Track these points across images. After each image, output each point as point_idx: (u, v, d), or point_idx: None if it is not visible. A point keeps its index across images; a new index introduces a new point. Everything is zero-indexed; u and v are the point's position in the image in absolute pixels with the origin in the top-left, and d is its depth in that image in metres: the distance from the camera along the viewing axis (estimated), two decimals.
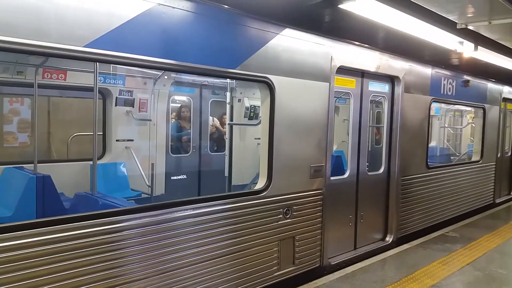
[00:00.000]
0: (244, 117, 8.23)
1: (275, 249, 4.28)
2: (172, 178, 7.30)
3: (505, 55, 7.17)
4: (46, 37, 2.66)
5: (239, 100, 8.29)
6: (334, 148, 8.41)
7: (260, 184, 4.24)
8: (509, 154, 10.12)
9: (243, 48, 3.91)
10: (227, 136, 6.33)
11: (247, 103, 8.17)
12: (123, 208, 3.38)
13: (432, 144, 12.40)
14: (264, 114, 4.32)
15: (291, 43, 4.35)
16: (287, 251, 4.41)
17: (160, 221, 3.34)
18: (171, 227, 3.41)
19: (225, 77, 4.98)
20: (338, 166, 6.31)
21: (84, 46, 2.85)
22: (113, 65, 5.65)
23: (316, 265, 4.77)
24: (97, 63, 4.29)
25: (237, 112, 8.30)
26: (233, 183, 8.08)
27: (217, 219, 3.75)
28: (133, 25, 3.10)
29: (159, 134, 6.96)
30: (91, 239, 2.91)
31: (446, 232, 6.71)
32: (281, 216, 4.33)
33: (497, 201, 9.26)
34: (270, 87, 4.15)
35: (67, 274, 2.80)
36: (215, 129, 8.44)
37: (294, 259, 4.50)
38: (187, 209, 3.52)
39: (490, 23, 5.12)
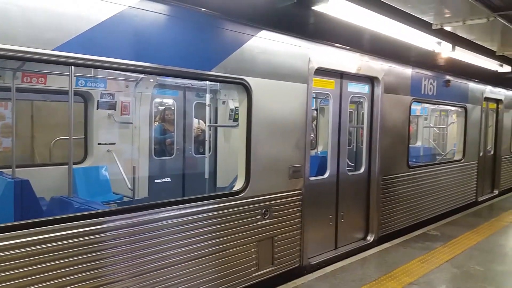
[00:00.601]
0: (229, 119, 8.25)
1: (253, 249, 4.30)
2: (156, 181, 7.28)
3: (482, 55, 7.30)
4: (13, 40, 2.66)
5: (224, 102, 8.31)
6: (320, 148, 8.47)
7: (238, 186, 4.27)
8: (492, 153, 10.27)
9: (218, 50, 3.93)
10: (207, 138, 6.32)
11: (232, 105, 8.19)
12: (100, 210, 3.39)
13: (418, 143, 12.56)
14: (241, 115, 4.35)
15: (268, 45, 4.39)
16: (266, 252, 4.44)
17: (139, 222, 3.37)
18: (149, 229, 3.43)
19: (200, 79, 4.99)
20: (323, 167, 6.35)
21: (53, 50, 2.85)
22: (94, 68, 5.64)
23: (296, 265, 4.80)
24: (72, 66, 4.28)
25: (222, 114, 8.33)
26: (218, 185, 8.11)
27: (194, 221, 3.77)
28: (104, 28, 3.11)
29: (142, 137, 6.95)
30: (71, 240, 2.95)
31: (428, 231, 6.78)
32: (259, 217, 4.36)
33: (480, 199, 9.39)
34: (247, 89, 4.18)
35: (48, 275, 2.84)
36: (200, 131, 8.44)
37: (273, 260, 4.53)
38: (162, 211, 3.53)
39: (464, 23, 5.22)
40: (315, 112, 8.66)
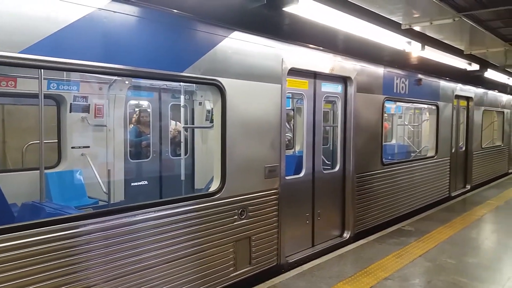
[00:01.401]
0: (206, 120, 8.23)
1: (231, 250, 4.32)
2: (132, 184, 7.20)
3: (451, 54, 7.52)
4: None
5: (200, 103, 8.29)
6: (297, 148, 8.56)
7: (214, 186, 4.28)
8: (463, 149, 10.58)
9: (191, 51, 3.94)
10: (182, 139, 6.31)
11: (208, 106, 8.18)
12: (73, 214, 3.34)
13: (393, 141, 12.83)
14: (216, 116, 4.36)
15: (241, 45, 4.41)
16: (243, 252, 4.47)
17: (114, 226, 3.34)
18: (125, 232, 3.42)
19: (173, 81, 4.98)
20: (300, 166, 6.42)
21: (19, 52, 2.80)
22: (63, 71, 5.54)
23: (273, 264, 4.84)
24: (41, 69, 4.21)
25: (198, 115, 8.30)
26: (196, 186, 8.09)
27: (171, 223, 3.77)
28: (73, 30, 3.07)
29: (117, 140, 6.86)
30: (43, 246, 2.91)
31: (402, 226, 6.94)
32: (236, 217, 4.38)
33: (453, 194, 9.66)
34: (221, 90, 4.20)
35: (20, 282, 2.80)
36: (177, 133, 8.40)
37: (251, 259, 4.55)
38: (138, 214, 3.52)
39: (431, 23, 5.38)
40: (292, 112, 8.75)
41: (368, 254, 5.55)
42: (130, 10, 3.43)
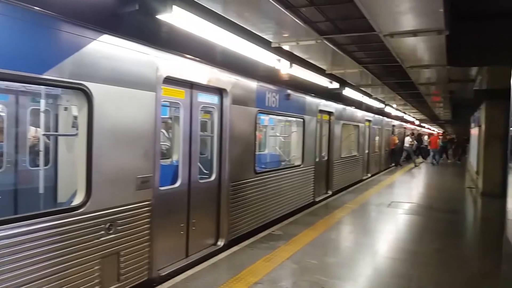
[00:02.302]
0: (73, 126, 7.54)
1: (96, 267, 4.03)
2: None
3: (315, 73, 8.33)
4: None
5: (66, 109, 7.58)
6: (175, 157, 8.40)
7: (77, 200, 3.95)
8: (325, 158, 11.73)
9: (53, 52, 3.60)
10: (42, 148, 5.69)
11: (76, 111, 7.53)
12: None
13: (266, 151, 13.54)
14: (81, 123, 4.05)
15: (112, 50, 4.19)
16: (111, 268, 4.20)
17: None
18: None
19: (31, 83, 4.47)
20: (177, 175, 6.32)
21: None
22: None
23: (144, 279, 4.66)
24: None
25: (64, 121, 7.57)
26: (59, 200, 7.33)
27: (26, 241, 3.37)
28: None
29: None
30: None
31: (273, 231, 7.35)
32: (103, 232, 4.10)
33: (317, 199, 10.62)
34: (88, 95, 3.92)
35: None
36: (37, 140, 7.52)
37: (119, 276, 4.31)
38: None
39: (298, 43, 5.89)
40: (170, 120, 8.61)
41: (240, 260, 5.73)
42: None
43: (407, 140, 23.14)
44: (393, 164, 22.87)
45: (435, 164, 23.67)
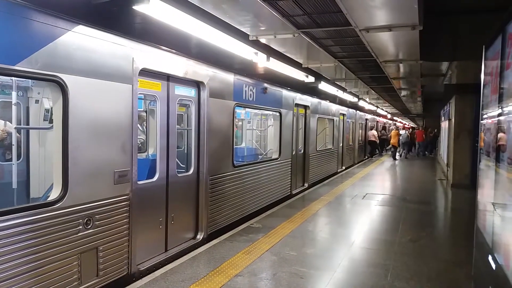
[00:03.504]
0: (45, 120, 7.33)
1: (74, 263, 3.95)
2: None
3: (292, 66, 8.37)
4: None
5: (37, 101, 7.35)
6: (151, 151, 8.30)
7: (54, 195, 3.85)
8: (302, 151, 11.85)
9: (25, 43, 3.48)
10: (14, 142, 5.51)
11: (48, 104, 7.31)
12: None
13: (242, 144, 13.55)
14: (56, 116, 3.94)
15: (87, 41, 4.08)
16: (89, 264, 4.13)
17: None
18: None
19: (2, 75, 4.30)
20: (153, 169, 6.22)
21: None
22: None
23: (124, 274, 4.61)
24: None
25: (34, 114, 7.34)
26: (32, 195, 7.12)
27: (1, 237, 3.26)
28: None
29: None
30: None
31: (251, 224, 7.39)
32: (81, 227, 4.02)
33: (294, 192, 10.73)
34: (62, 87, 3.82)
35: None
36: (6, 134, 7.25)
37: (98, 271, 4.24)
38: None
39: (275, 37, 5.90)
40: (145, 113, 8.47)
41: (220, 253, 5.74)
42: None
43: (373, 133, 24.11)
44: (367, 157, 23.90)
45: (420, 155, 26.03)
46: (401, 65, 8.58)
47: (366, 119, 24.38)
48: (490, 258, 4.07)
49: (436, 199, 11.74)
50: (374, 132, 24.43)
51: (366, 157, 24.03)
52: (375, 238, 6.94)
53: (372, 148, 24.88)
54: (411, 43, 6.44)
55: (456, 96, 12.77)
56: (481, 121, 4.83)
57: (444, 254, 6.17)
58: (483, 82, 4.63)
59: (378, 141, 24.93)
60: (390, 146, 24.97)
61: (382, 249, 6.25)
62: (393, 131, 25.77)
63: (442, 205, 10.98)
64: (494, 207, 4.13)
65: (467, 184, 12.12)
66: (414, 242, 6.67)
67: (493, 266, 3.89)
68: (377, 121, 29.71)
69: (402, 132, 25.98)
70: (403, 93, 15.56)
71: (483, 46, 4.71)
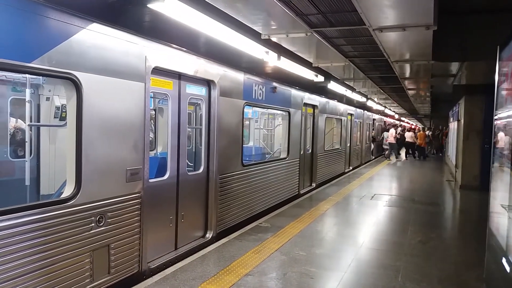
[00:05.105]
0: (55, 117, 7.37)
1: (87, 260, 3.97)
2: None
3: (302, 66, 8.34)
4: None
5: (48, 99, 7.38)
6: (159, 149, 8.31)
7: (67, 192, 3.87)
8: (310, 151, 11.81)
9: (41, 40, 3.49)
10: (27, 139, 5.53)
11: (58, 102, 7.34)
12: None
13: (250, 144, 13.54)
14: (70, 114, 3.95)
15: (101, 39, 4.09)
16: (101, 261, 4.14)
17: None
18: None
19: (18, 72, 4.33)
20: (162, 168, 6.23)
21: None
22: None
23: (135, 271, 4.62)
24: None
25: (45, 112, 7.38)
26: (42, 192, 7.16)
27: (13, 235, 3.28)
28: None
29: None
30: None
31: (260, 223, 7.38)
32: (93, 224, 4.03)
33: (302, 191, 10.70)
34: (77, 85, 3.82)
35: None
36: (18, 131, 7.30)
37: (110, 268, 4.25)
38: None
39: (287, 35, 5.87)
40: (154, 112, 8.49)
41: (229, 252, 5.74)
42: None
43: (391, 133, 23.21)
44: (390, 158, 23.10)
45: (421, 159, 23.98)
46: (412, 65, 8.51)
47: (374, 119, 24.24)
48: (504, 260, 4.03)
49: (445, 201, 11.65)
50: (392, 131, 23.28)
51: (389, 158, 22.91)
52: (384, 239, 6.90)
53: (391, 149, 23.21)
54: (424, 43, 6.38)
55: (466, 97, 12.66)
56: (495, 122, 4.77)
57: (454, 256, 6.12)
58: (498, 81, 4.57)
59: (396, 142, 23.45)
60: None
61: (392, 250, 6.21)
62: (419, 132, 24.80)
63: (451, 207, 10.90)
64: (507, 209, 4.08)
65: (476, 186, 12.02)
66: (424, 244, 6.62)
67: (507, 268, 3.85)
68: (385, 121, 29.54)
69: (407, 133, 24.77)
70: (412, 93, 15.46)
71: (498, 46, 4.65)
